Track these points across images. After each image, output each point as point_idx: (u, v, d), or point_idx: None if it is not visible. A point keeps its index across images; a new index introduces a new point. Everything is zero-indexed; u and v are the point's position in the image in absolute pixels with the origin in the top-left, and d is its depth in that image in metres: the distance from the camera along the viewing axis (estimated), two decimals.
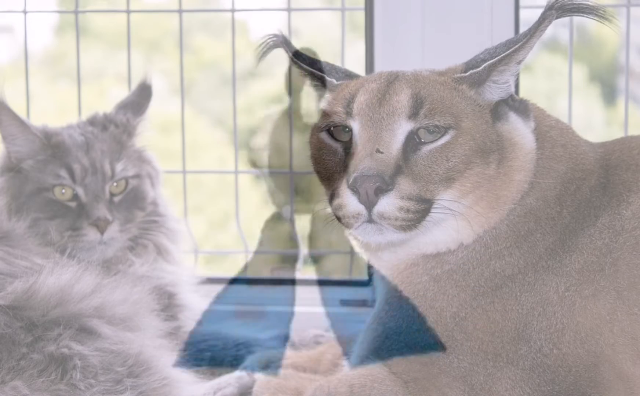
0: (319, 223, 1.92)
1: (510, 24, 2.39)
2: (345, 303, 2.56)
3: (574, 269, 1.72)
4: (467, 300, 1.74)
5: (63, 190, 2.27)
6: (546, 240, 1.75)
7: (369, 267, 1.97)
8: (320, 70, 1.88)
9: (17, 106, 2.31)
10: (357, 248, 2.34)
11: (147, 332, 1.94)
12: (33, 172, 2.28)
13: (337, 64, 1.93)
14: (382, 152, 1.69)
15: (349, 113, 1.76)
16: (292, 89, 2.48)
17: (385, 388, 1.73)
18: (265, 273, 2.58)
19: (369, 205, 1.67)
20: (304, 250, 2.57)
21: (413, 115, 1.71)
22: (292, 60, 1.88)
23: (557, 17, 1.72)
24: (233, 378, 2.06)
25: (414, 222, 1.69)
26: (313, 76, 1.89)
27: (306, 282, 2.56)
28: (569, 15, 1.73)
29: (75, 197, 2.27)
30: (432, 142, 1.71)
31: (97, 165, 2.29)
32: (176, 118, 2.67)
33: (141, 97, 2.43)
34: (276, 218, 2.40)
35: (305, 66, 1.88)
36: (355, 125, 1.75)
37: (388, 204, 1.67)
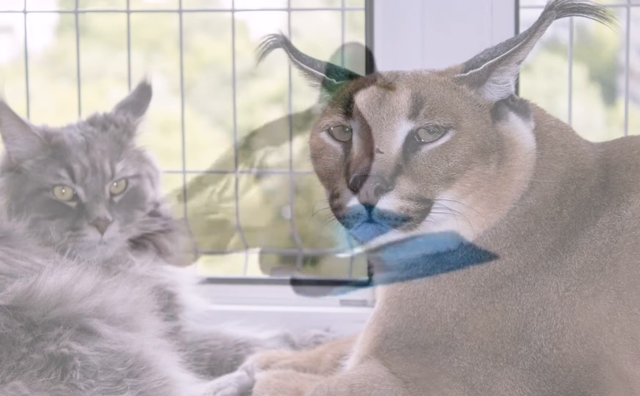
0: (319, 223, 1.92)
1: (510, 24, 2.39)
2: (345, 303, 2.56)
3: (574, 269, 1.72)
4: (467, 300, 1.74)
5: (63, 190, 2.27)
6: (546, 240, 1.75)
7: (369, 267, 1.97)
8: (320, 70, 1.88)
9: (17, 106, 2.30)
10: (357, 248, 2.35)
11: (147, 332, 1.93)
12: (33, 172, 2.27)
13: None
14: (382, 152, 1.69)
15: (348, 114, 1.76)
16: (292, 89, 2.48)
17: (385, 388, 1.73)
18: None
19: (369, 205, 1.67)
20: (304, 250, 2.57)
21: (413, 115, 1.71)
22: (292, 60, 1.88)
23: (557, 17, 1.72)
24: (233, 378, 2.06)
25: (414, 222, 1.69)
26: (313, 76, 1.88)
27: (306, 282, 2.56)
28: (569, 15, 1.73)
29: (75, 197, 2.27)
30: (432, 142, 1.71)
31: (97, 165, 2.29)
32: (176, 118, 2.67)
33: (141, 97, 2.43)
34: None
35: (305, 66, 1.88)
36: (355, 125, 1.75)
37: (388, 204, 1.67)
